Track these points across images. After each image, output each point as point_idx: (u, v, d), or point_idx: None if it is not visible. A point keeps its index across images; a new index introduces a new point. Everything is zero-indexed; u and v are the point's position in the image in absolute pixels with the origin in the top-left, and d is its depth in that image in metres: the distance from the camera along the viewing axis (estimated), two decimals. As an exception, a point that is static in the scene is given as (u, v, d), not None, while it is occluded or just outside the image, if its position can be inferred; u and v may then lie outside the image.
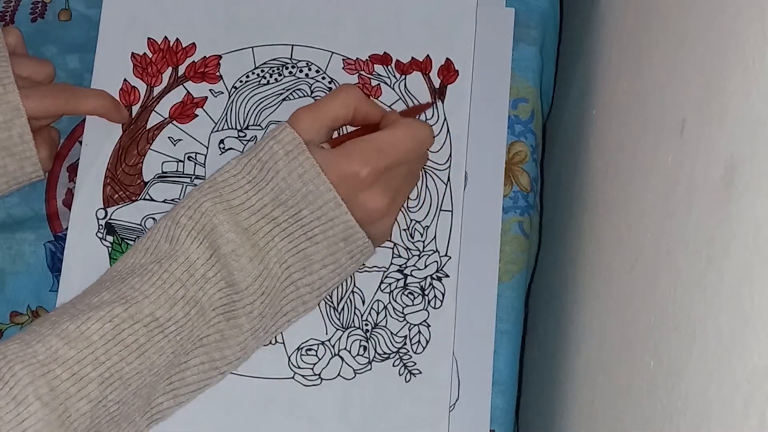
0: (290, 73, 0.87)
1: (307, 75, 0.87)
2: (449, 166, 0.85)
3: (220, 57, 0.88)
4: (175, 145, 0.86)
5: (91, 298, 0.71)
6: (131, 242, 0.83)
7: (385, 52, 0.88)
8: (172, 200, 0.84)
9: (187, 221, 0.73)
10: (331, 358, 0.81)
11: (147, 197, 0.84)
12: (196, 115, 0.86)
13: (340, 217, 0.75)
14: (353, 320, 0.81)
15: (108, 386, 0.69)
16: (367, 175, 0.75)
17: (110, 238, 0.83)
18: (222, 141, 0.86)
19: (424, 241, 0.82)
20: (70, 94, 0.83)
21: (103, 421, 0.69)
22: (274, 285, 0.74)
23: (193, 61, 0.87)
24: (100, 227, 0.83)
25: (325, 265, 0.76)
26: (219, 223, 0.73)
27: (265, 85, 0.87)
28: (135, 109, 0.86)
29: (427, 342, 0.81)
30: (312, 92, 0.87)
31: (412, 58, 0.87)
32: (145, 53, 0.87)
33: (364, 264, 0.80)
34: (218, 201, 0.74)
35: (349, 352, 0.81)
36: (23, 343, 0.68)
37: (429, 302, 0.82)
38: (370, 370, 0.81)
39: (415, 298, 0.82)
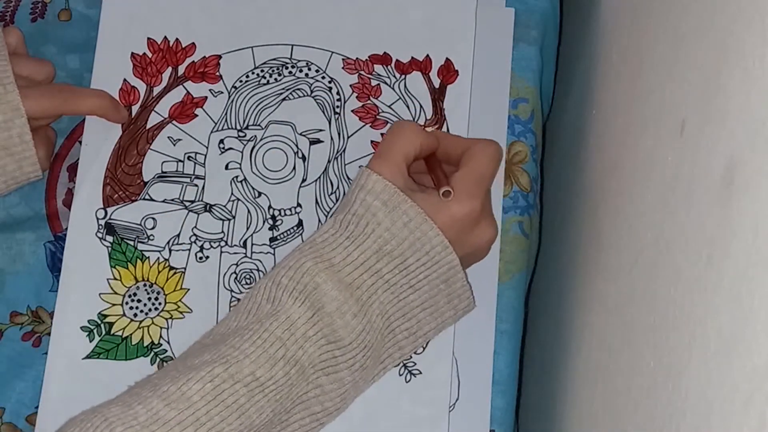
0: (290, 72, 0.87)
1: (306, 75, 0.87)
2: (449, 166, 0.84)
3: (219, 57, 0.88)
4: (174, 145, 0.86)
5: (192, 359, 0.71)
6: (131, 242, 0.83)
7: (384, 52, 0.88)
8: (172, 200, 0.84)
9: (288, 281, 0.72)
10: (331, 358, 0.81)
11: (147, 197, 0.84)
12: (196, 115, 0.86)
13: (445, 258, 0.75)
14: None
15: None
16: (480, 210, 0.76)
17: (110, 238, 0.83)
18: (222, 141, 0.86)
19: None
20: (69, 93, 0.83)
21: None
22: (375, 337, 0.74)
23: (193, 61, 0.87)
24: (100, 227, 0.83)
25: (423, 309, 0.76)
26: (322, 281, 0.72)
27: (264, 84, 0.87)
28: (135, 108, 0.86)
29: (427, 342, 0.81)
30: (312, 92, 0.87)
31: (412, 57, 0.87)
32: (144, 53, 0.87)
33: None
34: (319, 260, 0.73)
35: (349, 352, 0.81)
36: (125, 405, 0.68)
37: (429, 302, 0.82)
38: (370, 370, 0.81)
39: (415, 298, 0.82)
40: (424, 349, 0.81)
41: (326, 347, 0.72)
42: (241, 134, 0.86)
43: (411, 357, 0.81)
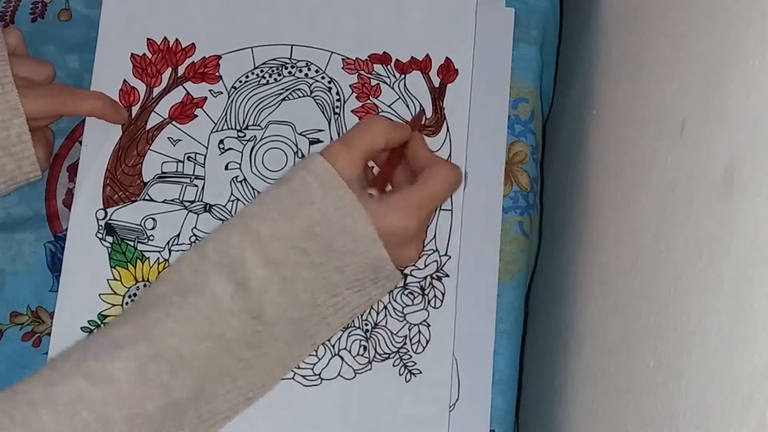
0: (290, 73, 0.87)
1: (306, 75, 0.87)
2: (449, 166, 0.84)
3: (219, 57, 0.88)
4: (174, 145, 0.86)
5: (114, 331, 0.70)
6: (131, 242, 0.83)
7: (384, 52, 0.88)
8: (172, 200, 0.84)
9: (214, 255, 0.72)
10: (331, 358, 0.81)
11: (147, 197, 0.84)
12: (196, 116, 0.86)
13: (374, 252, 0.74)
14: (353, 320, 0.81)
15: (133, 426, 0.68)
16: (414, 231, 0.76)
17: (110, 239, 0.83)
18: (221, 141, 0.86)
19: (423, 241, 0.82)
20: (68, 94, 0.83)
21: None
22: (300, 312, 0.74)
23: (193, 62, 0.87)
24: (100, 227, 0.83)
25: (349, 287, 0.76)
26: (248, 257, 0.72)
27: (264, 85, 0.87)
28: (135, 109, 0.86)
29: (427, 342, 0.81)
30: (311, 92, 0.87)
31: (412, 57, 0.87)
32: (144, 54, 0.87)
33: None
34: (247, 234, 0.73)
35: (349, 352, 0.81)
36: (48, 384, 0.67)
37: (429, 302, 0.82)
38: (370, 370, 0.81)
39: (415, 297, 0.82)
40: (424, 348, 0.81)
41: (251, 323, 0.72)
42: (240, 134, 0.86)
43: (411, 357, 0.81)
